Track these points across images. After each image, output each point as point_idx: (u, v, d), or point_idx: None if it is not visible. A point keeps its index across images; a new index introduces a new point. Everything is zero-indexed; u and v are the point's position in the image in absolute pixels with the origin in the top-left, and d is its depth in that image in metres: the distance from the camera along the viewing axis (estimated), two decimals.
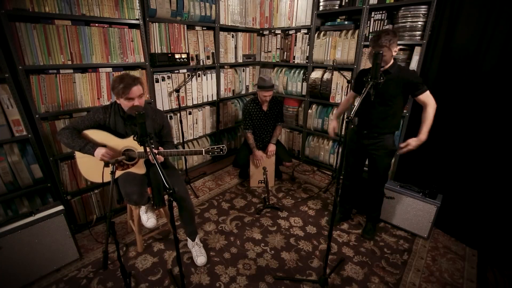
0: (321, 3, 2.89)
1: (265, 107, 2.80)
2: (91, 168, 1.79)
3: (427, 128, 1.79)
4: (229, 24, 3.12)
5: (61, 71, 1.95)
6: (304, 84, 3.25)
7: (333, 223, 1.60)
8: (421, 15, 2.27)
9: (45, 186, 2.00)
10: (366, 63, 2.71)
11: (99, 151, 1.68)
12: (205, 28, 2.89)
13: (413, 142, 1.82)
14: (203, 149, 1.77)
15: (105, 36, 2.08)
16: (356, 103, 1.46)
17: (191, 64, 2.82)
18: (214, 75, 3.12)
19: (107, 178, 1.46)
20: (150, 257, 1.97)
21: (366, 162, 2.15)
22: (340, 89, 2.93)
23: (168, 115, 2.79)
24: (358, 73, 2.14)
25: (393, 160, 2.67)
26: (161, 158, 1.78)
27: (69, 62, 1.96)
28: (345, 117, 2.92)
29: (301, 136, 3.50)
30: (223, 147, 1.77)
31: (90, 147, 1.68)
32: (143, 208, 1.90)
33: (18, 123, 1.81)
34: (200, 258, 1.90)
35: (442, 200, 2.10)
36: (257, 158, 2.78)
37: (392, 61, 1.82)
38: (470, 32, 2.08)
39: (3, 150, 1.79)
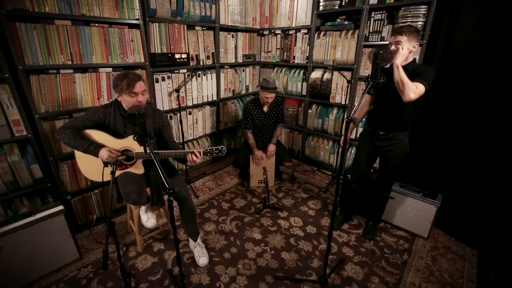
0: (321, 3, 2.89)
1: (266, 108, 2.80)
2: (91, 167, 1.80)
3: (400, 73, 1.60)
4: (229, 24, 3.12)
5: (61, 71, 1.95)
6: (304, 84, 3.25)
7: (333, 223, 1.60)
8: (421, 15, 2.27)
9: (45, 186, 2.00)
10: (366, 63, 2.71)
11: (104, 153, 1.68)
12: (205, 28, 2.89)
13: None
14: (201, 151, 1.71)
15: (105, 36, 2.08)
16: (356, 103, 1.45)
17: (191, 64, 2.82)
18: (214, 75, 3.12)
19: (107, 177, 1.45)
20: (150, 257, 1.97)
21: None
22: (340, 89, 2.93)
23: (168, 115, 2.78)
24: None
25: None
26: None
27: (69, 62, 1.95)
28: (345, 117, 2.92)
29: (301, 136, 3.50)
30: (222, 148, 1.72)
31: (93, 148, 1.68)
32: (143, 208, 1.90)
33: (18, 123, 1.80)
34: (202, 258, 1.90)
35: (442, 200, 2.10)
36: (257, 158, 2.78)
37: (411, 58, 1.75)
38: (470, 32, 2.08)
39: (3, 150, 1.79)
